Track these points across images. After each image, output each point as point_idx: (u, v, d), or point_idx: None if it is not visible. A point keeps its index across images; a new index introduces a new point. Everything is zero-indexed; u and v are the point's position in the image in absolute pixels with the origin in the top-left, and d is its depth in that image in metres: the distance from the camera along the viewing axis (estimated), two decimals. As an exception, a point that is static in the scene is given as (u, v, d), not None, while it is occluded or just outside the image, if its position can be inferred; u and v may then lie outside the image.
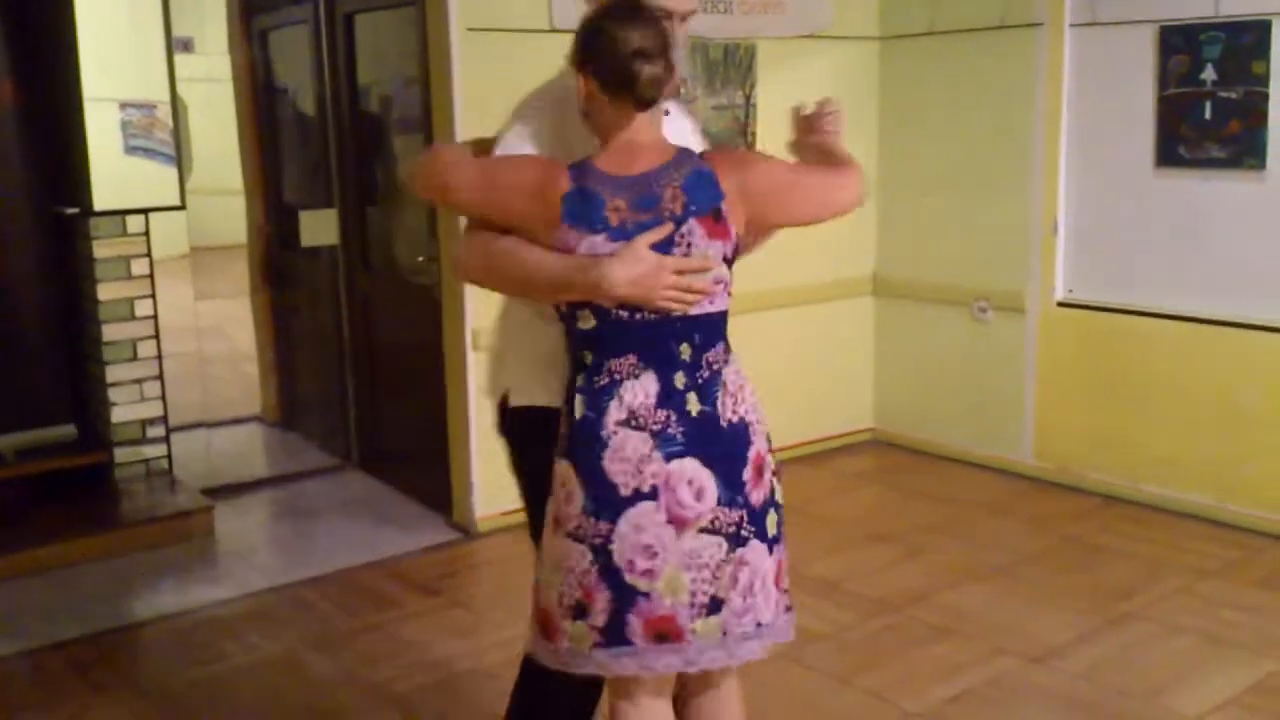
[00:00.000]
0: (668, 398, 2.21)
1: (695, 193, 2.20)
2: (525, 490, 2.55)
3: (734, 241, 2.26)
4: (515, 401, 2.46)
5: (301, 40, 5.66)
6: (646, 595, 2.20)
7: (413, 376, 5.12)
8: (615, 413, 2.20)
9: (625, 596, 2.20)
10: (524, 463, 2.52)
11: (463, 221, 2.46)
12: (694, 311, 2.24)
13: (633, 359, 2.22)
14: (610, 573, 2.20)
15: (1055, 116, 5.04)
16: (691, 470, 2.20)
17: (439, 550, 4.66)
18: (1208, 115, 4.59)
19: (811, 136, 2.49)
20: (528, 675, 2.59)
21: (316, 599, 4.24)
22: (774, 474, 2.37)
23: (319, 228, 5.52)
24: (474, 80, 4.51)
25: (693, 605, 2.21)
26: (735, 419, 2.27)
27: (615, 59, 2.17)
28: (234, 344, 7.78)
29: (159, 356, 5.04)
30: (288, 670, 3.71)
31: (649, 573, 2.20)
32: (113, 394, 4.90)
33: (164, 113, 5.04)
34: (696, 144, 2.47)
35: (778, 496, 2.37)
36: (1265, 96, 4.44)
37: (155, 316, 5.00)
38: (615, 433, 2.20)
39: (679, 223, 2.19)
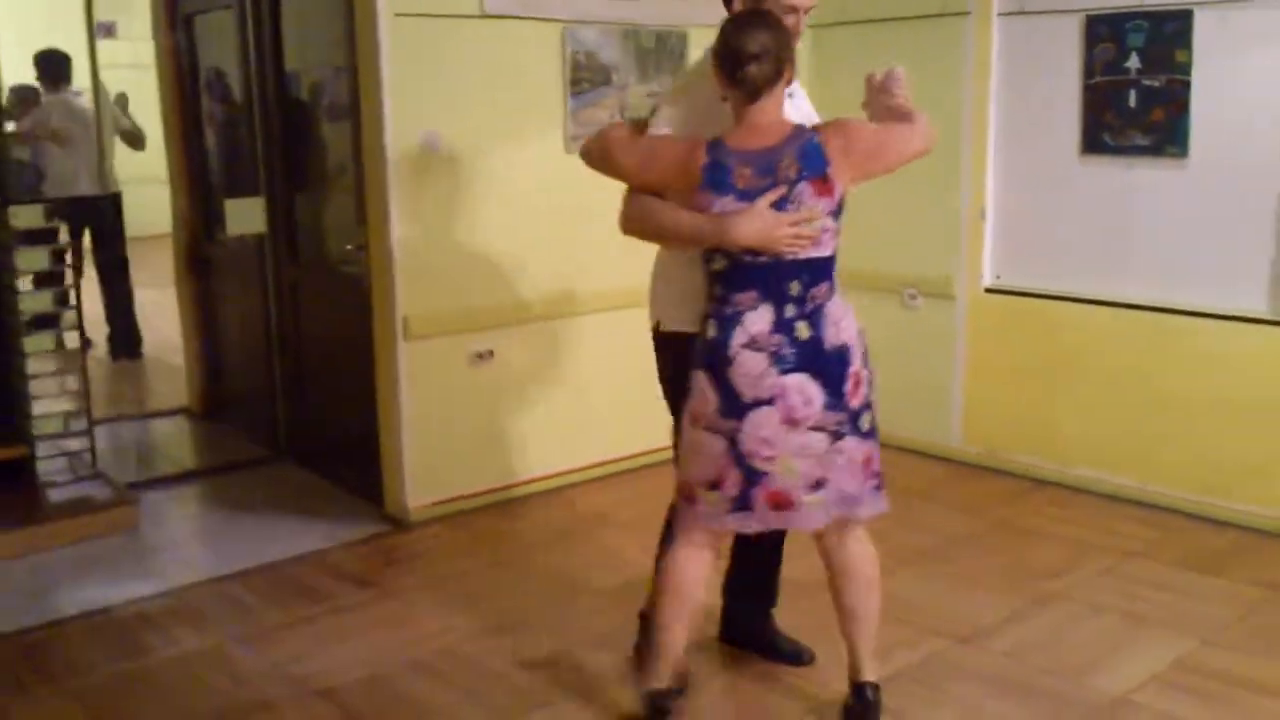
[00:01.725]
0: (780, 325, 2.85)
1: (806, 161, 2.83)
2: (669, 394, 3.27)
3: (838, 198, 2.87)
4: (665, 327, 3.23)
5: (228, 25, 5.56)
6: (767, 474, 2.88)
7: (343, 366, 5.07)
8: (739, 337, 2.86)
9: (751, 476, 2.89)
10: (670, 372, 3.23)
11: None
12: (803, 255, 2.85)
13: (753, 294, 2.87)
14: (739, 458, 2.88)
15: (983, 105, 5.10)
16: (801, 383, 2.85)
17: (371, 542, 4.62)
18: (1132, 103, 4.66)
19: (881, 98, 3.04)
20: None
21: (245, 593, 4.18)
22: (869, 384, 2.98)
23: (245, 216, 5.43)
24: (403, 66, 4.47)
25: (803, 484, 2.90)
26: (838, 343, 2.89)
27: (733, 61, 2.81)
28: (160, 335, 7.68)
29: (82, 348, 4.95)
30: (215, 665, 3.65)
31: (768, 459, 2.87)
32: (33, 386, 4.79)
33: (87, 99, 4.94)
34: (814, 120, 3.12)
35: (871, 400, 2.99)
36: (1187, 85, 4.51)
37: (79, 308, 4.90)
38: (739, 353, 2.85)
39: (792, 185, 2.81)
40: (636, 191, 3.00)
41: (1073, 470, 4.97)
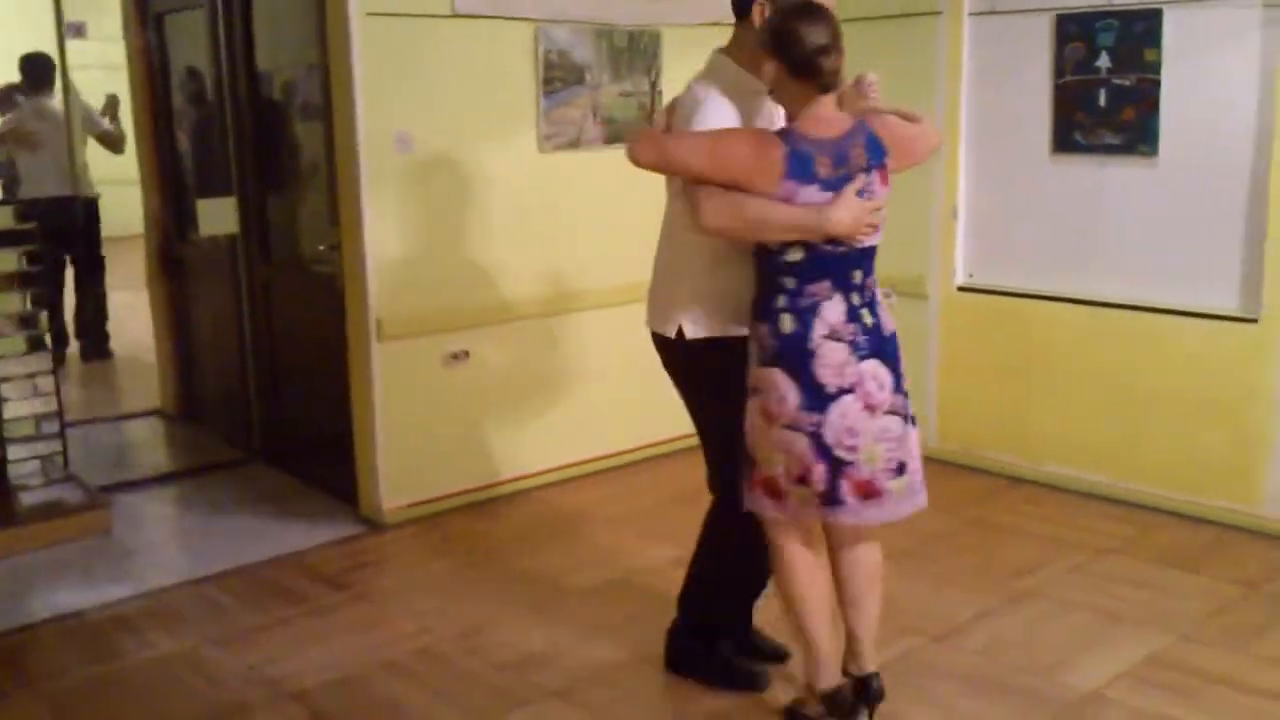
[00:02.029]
0: (852, 314, 2.91)
1: (871, 151, 2.90)
2: (702, 401, 3.29)
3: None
4: (690, 335, 3.16)
5: (199, 24, 5.53)
6: (853, 464, 2.90)
7: (317, 367, 5.05)
8: (819, 328, 2.88)
9: (837, 467, 2.90)
10: (702, 379, 3.22)
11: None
12: (866, 244, 2.93)
13: (827, 284, 2.90)
14: (824, 450, 2.89)
15: (955, 104, 5.12)
16: (876, 368, 2.91)
17: (345, 543, 4.60)
18: (1102, 102, 4.68)
19: (859, 104, 3.03)
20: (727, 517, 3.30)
21: (219, 595, 4.16)
22: None
23: (217, 216, 5.40)
24: (374, 66, 4.45)
25: (886, 470, 2.93)
26: (892, 329, 2.99)
27: (803, 54, 2.81)
28: (134, 336, 7.63)
29: (55, 350, 4.91)
30: (189, 668, 3.64)
31: (853, 448, 2.89)
32: (4, 389, 4.75)
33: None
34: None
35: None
36: (1157, 84, 4.54)
37: (46, 310, 4.86)
38: (821, 344, 2.88)
39: (866, 174, 2.88)
40: (708, 186, 2.91)
41: (1047, 468, 5.00)
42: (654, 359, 5.82)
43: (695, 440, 5.91)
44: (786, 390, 2.90)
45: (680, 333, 3.17)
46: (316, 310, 4.95)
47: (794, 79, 2.86)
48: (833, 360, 2.88)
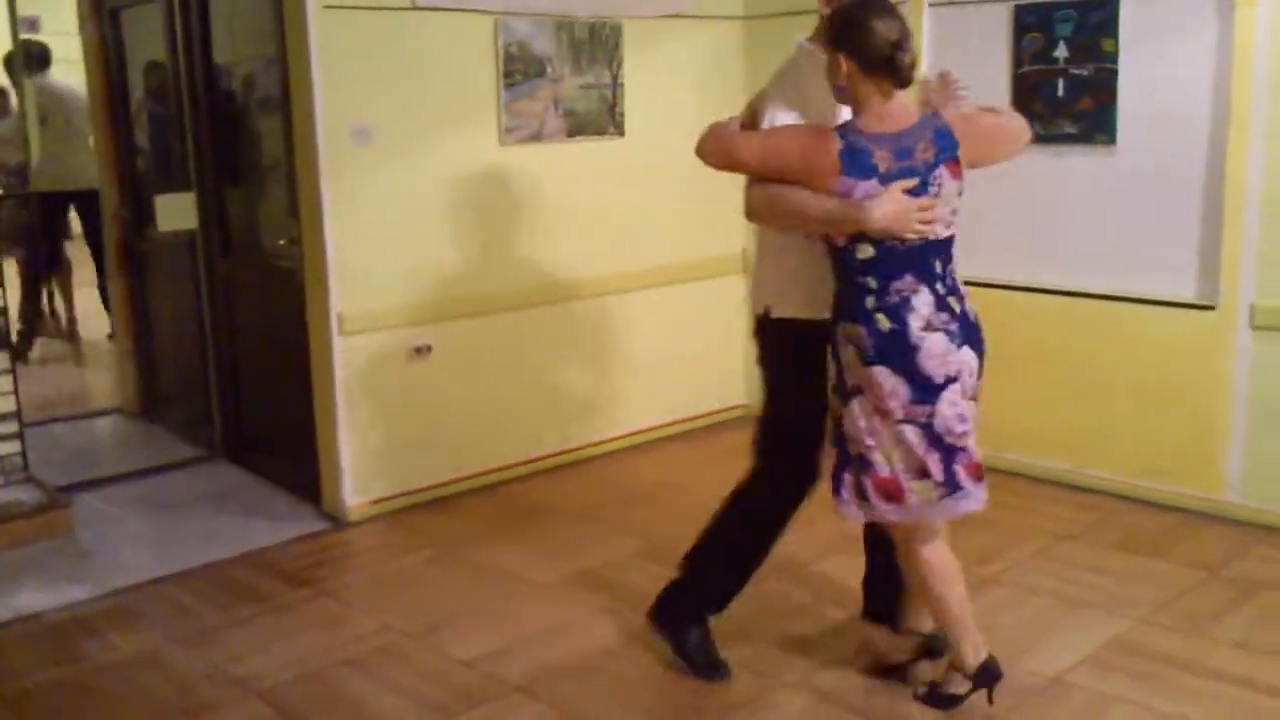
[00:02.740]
0: (940, 304, 2.93)
1: (940, 144, 2.89)
2: (781, 380, 3.30)
3: (963, 179, 2.95)
4: (775, 314, 3.20)
5: (155, 18, 5.48)
6: (965, 449, 2.98)
7: (278, 363, 5.02)
8: (916, 322, 2.90)
9: (950, 454, 2.96)
10: (780, 358, 3.27)
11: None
12: (944, 235, 2.94)
13: (910, 278, 2.91)
14: (937, 440, 2.94)
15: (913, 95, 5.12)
16: (970, 355, 2.98)
17: (309, 540, 4.58)
18: (1060, 92, 4.71)
19: (953, 103, 3.03)
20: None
21: (181, 594, 4.13)
22: None
23: (176, 211, 5.36)
24: (333, 59, 4.43)
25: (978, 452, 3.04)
26: (975, 312, 3.03)
27: (878, 49, 2.81)
28: (93, 334, 7.56)
29: (9, 347, 4.85)
30: (151, 668, 3.61)
31: (963, 434, 2.97)
32: (-40, 389, 4.70)
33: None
34: None
35: None
36: (1115, 74, 4.57)
37: (4, 308, 4.80)
38: (923, 338, 2.90)
39: (931, 168, 2.88)
40: (758, 181, 2.99)
41: (1007, 455, 5.02)
42: (618, 353, 5.87)
43: (660, 433, 5.96)
44: (896, 386, 2.92)
45: (767, 311, 3.22)
46: (278, 305, 4.91)
47: (867, 75, 2.85)
48: (937, 351, 2.91)
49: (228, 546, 4.51)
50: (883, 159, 2.84)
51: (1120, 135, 4.60)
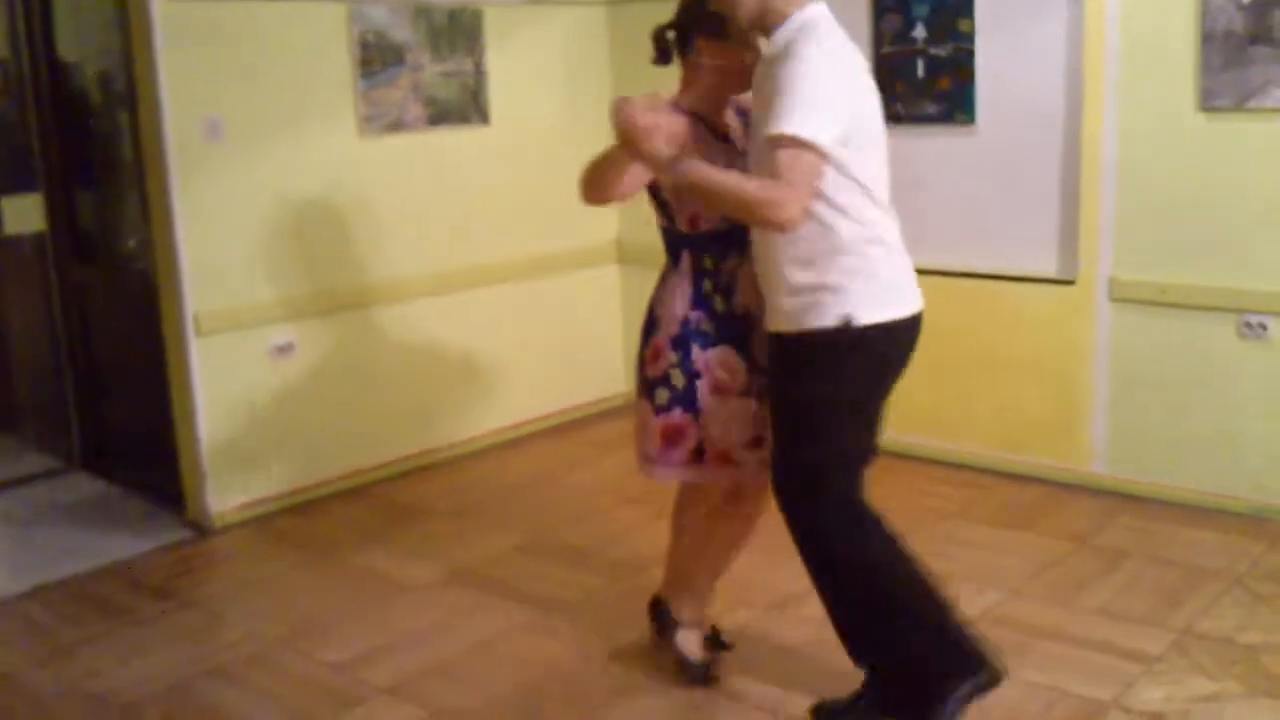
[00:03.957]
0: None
1: None
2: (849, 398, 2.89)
3: None
4: (864, 320, 2.75)
5: (-4, 13, 5.26)
6: None
7: (136, 367, 4.84)
8: None
9: None
10: (855, 373, 2.85)
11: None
12: None
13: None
14: None
15: (780, 78, 5.13)
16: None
17: (171, 550, 4.43)
18: (920, 73, 4.75)
19: None
20: None
21: (38, 611, 3.97)
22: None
23: (23, 214, 5.15)
24: (179, 51, 4.28)
25: None
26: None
27: None
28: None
29: None
30: (6, 689, 3.46)
31: None
32: None
33: None
34: None
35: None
36: (971, 53, 4.62)
37: None
38: None
39: None
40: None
41: (888, 435, 5.05)
42: (489, 347, 5.75)
43: (535, 427, 5.84)
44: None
45: (848, 322, 2.78)
46: (133, 308, 4.74)
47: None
48: None
49: (86, 560, 4.34)
50: None
51: (979, 115, 4.66)
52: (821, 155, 2.56)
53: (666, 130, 2.79)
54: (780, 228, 2.56)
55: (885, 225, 2.84)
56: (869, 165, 2.76)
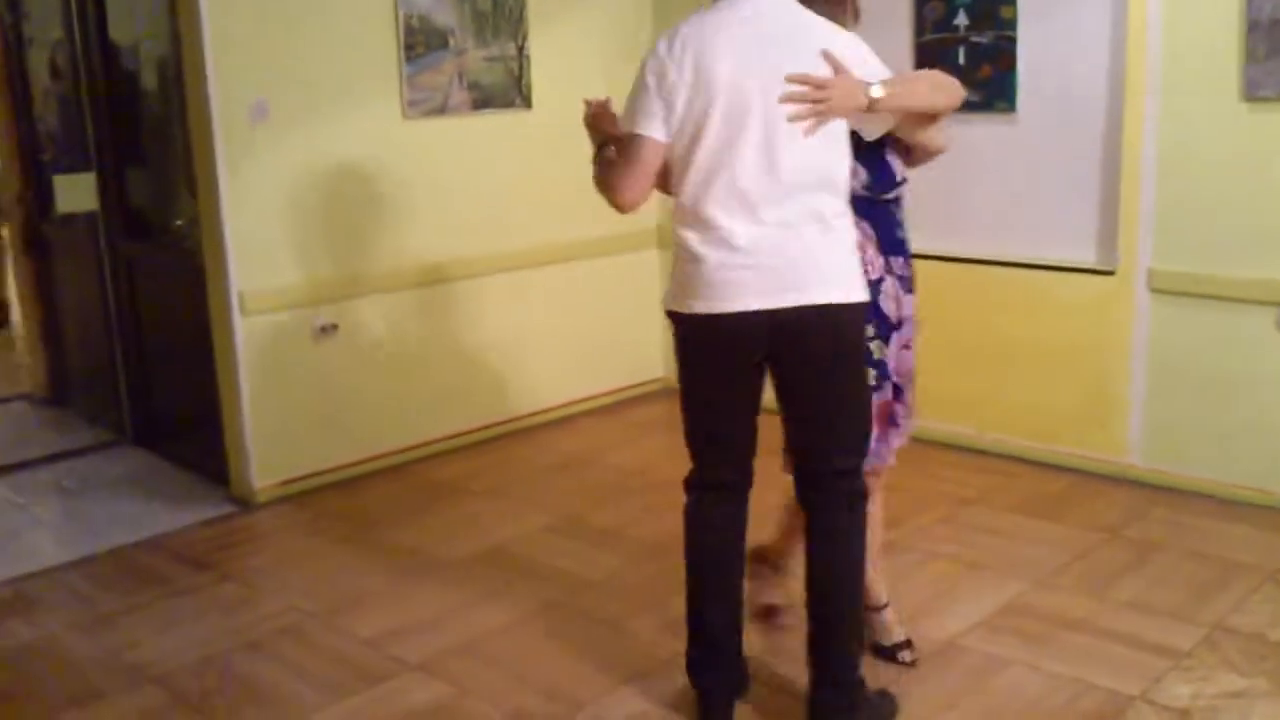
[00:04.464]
0: None
1: None
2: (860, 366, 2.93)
3: None
4: (859, 298, 2.78)
5: (53, -4, 5.37)
6: (903, 390, 3.22)
7: (183, 345, 4.94)
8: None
9: (898, 393, 3.20)
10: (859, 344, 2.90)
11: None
12: None
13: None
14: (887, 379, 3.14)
15: (822, 64, 5.11)
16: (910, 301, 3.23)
17: (214, 524, 4.52)
18: (961, 60, 4.72)
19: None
20: None
21: (82, 581, 4.07)
22: None
23: (76, 193, 5.27)
24: (227, 33, 4.35)
25: None
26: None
27: None
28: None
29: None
30: (45, 657, 3.55)
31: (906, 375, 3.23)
32: None
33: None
34: None
35: None
36: (1013, 40, 4.59)
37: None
38: (883, 278, 3.09)
39: None
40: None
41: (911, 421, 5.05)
42: (530, 329, 5.74)
43: (574, 409, 5.81)
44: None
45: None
46: (180, 286, 4.84)
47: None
48: (891, 292, 3.09)
49: (132, 531, 4.45)
50: None
51: (1020, 102, 4.63)
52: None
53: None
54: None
55: (712, 220, 2.75)
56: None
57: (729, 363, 2.83)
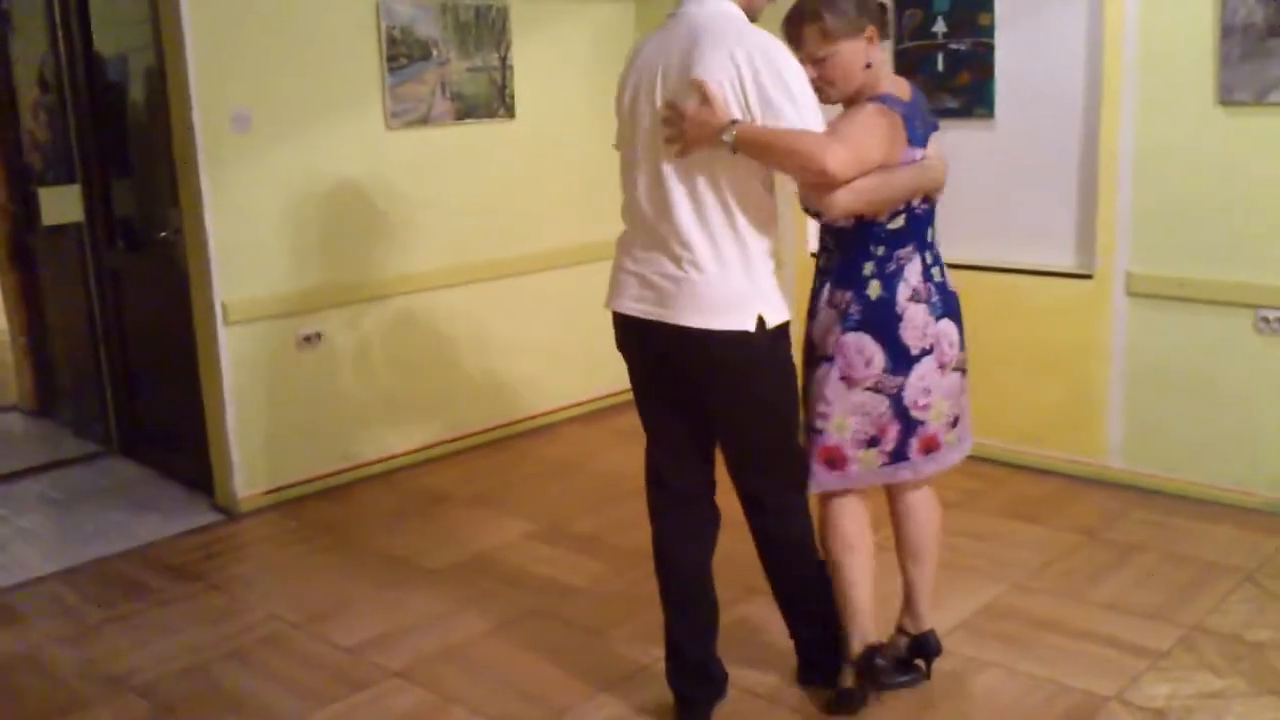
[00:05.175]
0: (926, 274, 2.91)
1: (928, 109, 2.95)
2: (784, 392, 2.92)
3: None
4: (774, 321, 2.80)
5: (35, 7, 5.37)
6: (923, 423, 2.95)
7: (168, 355, 4.95)
8: (904, 292, 2.87)
9: (910, 426, 2.94)
10: (779, 370, 2.88)
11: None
12: (939, 198, 2.96)
13: (911, 246, 2.90)
14: (902, 412, 2.92)
15: (803, 71, 5.15)
16: (949, 327, 2.95)
17: (199, 534, 4.53)
18: (940, 67, 4.75)
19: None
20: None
21: (67, 592, 4.08)
22: None
23: (61, 205, 5.28)
24: (209, 44, 4.37)
25: (946, 424, 3.00)
26: (953, 284, 3.00)
27: (884, 13, 2.91)
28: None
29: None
30: (28, 668, 3.56)
31: (925, 407, 2.94)
32: None
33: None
34: None
35: None
36: (991, 48, 4.62)
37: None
38: (907, 308, 2.87)
39: (933, 130, 2.92)
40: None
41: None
42: (512, 337, 5.74)
43: (557, 416, 5.82)
44: (873, 354, 2.87)
45: (761, 322, 2.76)
46: (165, 297, 4.85)
47: (879, 39, 2.85)
48: (918, 322, 2.88)
49: (117, 542, 4.46)
50: (919, 124, 2.84)
51: (999, 109, 4.66)
52: None
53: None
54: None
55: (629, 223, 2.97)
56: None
57: (634, 360, 3.04)
